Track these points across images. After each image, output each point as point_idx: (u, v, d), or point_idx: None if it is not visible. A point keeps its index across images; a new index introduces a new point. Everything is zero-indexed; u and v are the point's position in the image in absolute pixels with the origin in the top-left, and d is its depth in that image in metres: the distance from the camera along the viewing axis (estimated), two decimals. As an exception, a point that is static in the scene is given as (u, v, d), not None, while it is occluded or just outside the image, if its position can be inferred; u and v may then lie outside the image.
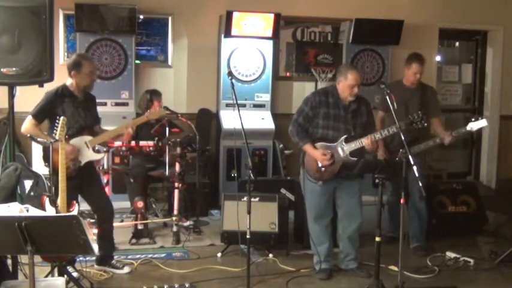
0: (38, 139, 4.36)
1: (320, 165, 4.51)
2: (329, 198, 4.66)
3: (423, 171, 5.26)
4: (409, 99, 5.26)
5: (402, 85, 5.36)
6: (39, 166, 5.59)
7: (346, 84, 4.47)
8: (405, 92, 5.29)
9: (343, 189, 4.63)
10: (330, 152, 4.48)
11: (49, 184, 4.46)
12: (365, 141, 4.42)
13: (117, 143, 5.33)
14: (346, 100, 4.53)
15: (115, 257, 4.84)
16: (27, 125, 4.33)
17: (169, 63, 7.18)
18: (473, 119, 4.98)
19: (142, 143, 5.46)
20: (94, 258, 4.62)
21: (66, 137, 4.09)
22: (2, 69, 4.33)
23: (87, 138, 4.49)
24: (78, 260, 4.51)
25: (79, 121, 4.46)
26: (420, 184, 4.09)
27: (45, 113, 4.34)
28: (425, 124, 4.48)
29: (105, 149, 4.81)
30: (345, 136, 4.50)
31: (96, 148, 4.53)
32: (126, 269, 4.73)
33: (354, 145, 4.47)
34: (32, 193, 4.56)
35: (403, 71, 5.42)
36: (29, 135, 4.41)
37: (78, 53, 4.86)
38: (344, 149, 4.49)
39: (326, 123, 4.54)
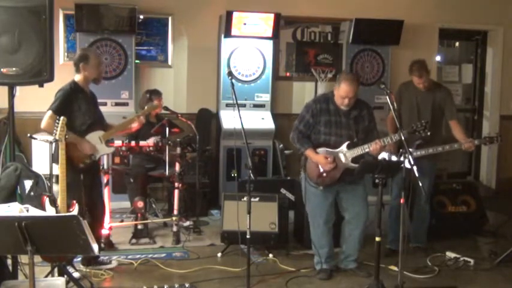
0: (39, 138, 4.39)
1: (322, 170, 4.51)
2: (332, 202, 4.66)
3: (431, 174, 5.25)
4: (421, 102, 5.19)
5: (413, 86, 5.22)
6: (39, 166, 5.59)
7: (338, 94, 4.47)
8: (416, 93, 5.20)
9: (348, 192, 4.62)
10: (331, 156, 4.48)
11: (49, 184, 4.47)
12: (373, 147, 4.39)
13: (117, 143, 5.33)
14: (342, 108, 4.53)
15: (114, 257, 4.85)
16: (48, 121, 4.35)
17: (169, 63, 7.18)
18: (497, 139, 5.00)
19: (142, 143, 5.47)
20: (79, 259, 4.64)
21: (66, 137, 4.10)
22: (2, 69, 4.33)
23: (100, 133, 4.62)
24: (77, 260, 4.52)
25: (91, 116, 4.58)
26: (420, 184, 4.09)
27: (65, 108, 4.38)
28: (429, 133, 4.41)
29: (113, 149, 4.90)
30: (347, 143, 4.49)
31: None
32: (114, 263, 4.77)
33: (357, 151, 4.46)
34: (32, 193, 4.55)
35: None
36: (29, 134, 4.43)
37: (82, 48, 4.94)
38: (346, 155, 4.48)
39: (328, 130, 4.53)
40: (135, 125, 5.01)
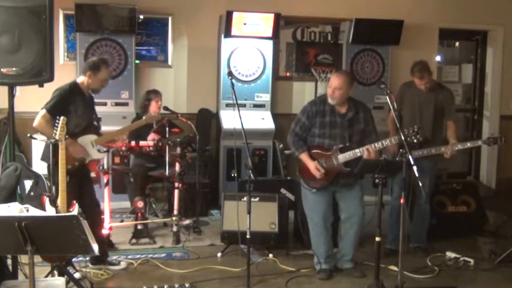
0: (39, 138, 4.38)
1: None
2: (329, 202, 4.67)
3: (432, 174, 5.25)
4: (423, 102, 5.19)
5: (415, 87, 5.20)
6: (39, 166, 5.59)
7: (328, 86, 4.54)
8: (418, 94, 5.20)
9: (344, 193, 4.65)
10: (324, 164, 4.50)
11: (49, 184, 4.47)
12: (364, 152, 4.39)
13: (117, 143, 5.34)
14: (340, 107, 4.53)
15: (114, 257, 4.85)
16: (40, 120, 4.32)
17: (169, 63, 7.18)
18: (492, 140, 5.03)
19: (142, 143, 5.46)
20: (88, 258, 4.63)
21: (66, 136, 4.09)
22: (2, 69, 4.32)
23: (93, 137, 4.57)
24: (79, 260, 4.52)
25: (86, 119, 4.55)
26: (420, 184, 4.08)
27: (60, 108, 4.34)
28: (420, 139, 4.34)
29: (104, 149, 4.85)
30: (340, 146, 4.50)
31: (98, 148, 4.60)
32: (123, 264, 4.77)
33: (349, 155, 4.46)
34: (32, 193, 4.55)
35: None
36: (29, 134, 4.43)
37: (100, 57, 4.96)
38: (339, 158, 4.49)
39: (322, 132, 4.55)
40: (119, 139, 5.06)
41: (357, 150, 4.43)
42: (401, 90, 5.39)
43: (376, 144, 4.42)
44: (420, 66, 5.11)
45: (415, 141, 4.31)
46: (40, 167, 5.35)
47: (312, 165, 4.52)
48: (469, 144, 5.19)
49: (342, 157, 4.48)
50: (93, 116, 4.68)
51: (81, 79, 4.57)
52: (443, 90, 5.31)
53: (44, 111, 4.34)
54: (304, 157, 4.57)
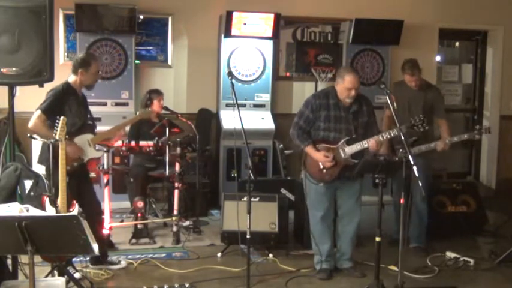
0: (39, 138, 4.38)
1: (321, 166, 4.52)
2: (331, 199, 4.67)
3: (427, 172, 5.25)
4: (412, 101, 5.27)
5: (406, 85, 5.33)
6: (39, 166, 5.59)
7: (343, 86, 4.47)
8: (408, 92, 5.29)
9: (344, 190, 4.65)
10: (331, 153, 4.49)
11: (49, 184, 4.47)
12: (371, 143, 4.41)
13: (117, 143, 5.34)
14: (345, 101, 4.53)
15: (114, 257, 4.85)
16: (36, 121, 4.31)
17: (169, 63, 7.18)
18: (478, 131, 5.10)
19: (142, 143, 5.46)
20: (88, 258, 4.63)
21: (66, 136, 4.09)
22: (2, 69, 4.33)
23: (89, 136, 4.58)
24: (78, 260, 4.52)
25: (81, 119, 4.54)
26: (420, 184, 4.09)
27: (55, 109, 4.33)
28: (427, 127, 4.44)
29: (104, 149, 4.86)
30: (347, 138, 4.50)
31: (97, 147, 4.60)
32: (123, 263, 4.77)
33: (356, 147, 4.47)
34: (32, 193, 4.56)
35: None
36: (28, 135, 4.42)
37: (86, 52, 4.93)
38: (346, 150, 4.49)
39: (327, 126, 4.54)
40: (115, 137, 5.02)
41: (364, 142, 4.44)
42: (394, 89, 5.47)
43: (383, 135, 4.43)
44: (410, 64, 5.24)
45: (421, 130, 4.41)
46: (40, 167, 5.35)
47: (319, 155, 4.49)
48: (456, 139, 5.20)
49: (349, 149, 4.49)
50: (87, 115, 4.67)
51: (73, 78, 4.54)
52: (432, 88, 5.43)
53: (39, 111, 4.33)
54: (310, 150, 4.55)
